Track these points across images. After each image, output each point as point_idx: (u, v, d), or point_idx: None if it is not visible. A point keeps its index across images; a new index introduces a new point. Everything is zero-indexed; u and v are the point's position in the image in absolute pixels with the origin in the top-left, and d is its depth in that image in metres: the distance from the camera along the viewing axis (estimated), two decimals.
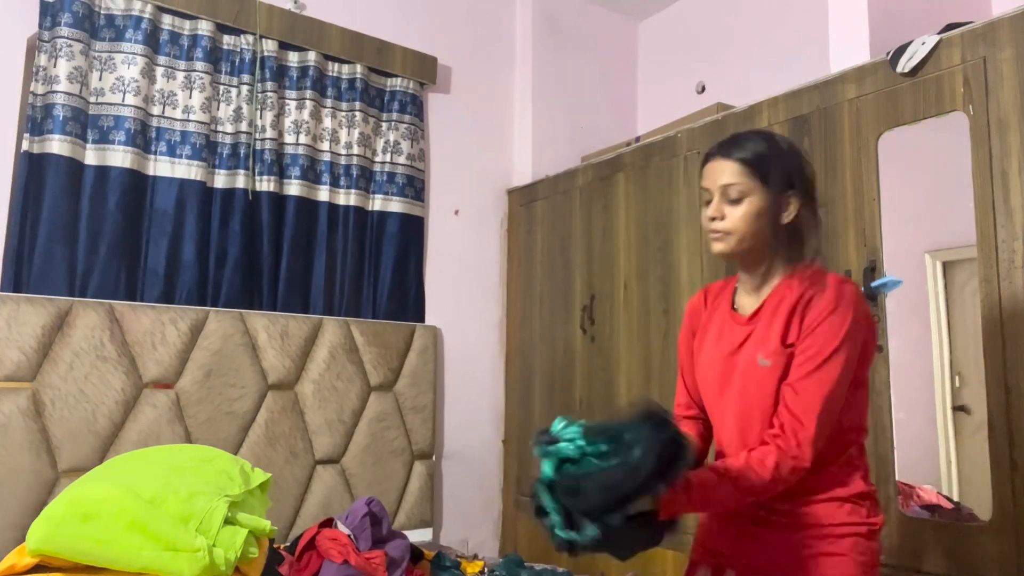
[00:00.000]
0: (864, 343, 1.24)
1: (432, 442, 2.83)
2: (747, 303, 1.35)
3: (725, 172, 1.29)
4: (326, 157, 2.74)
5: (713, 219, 1.30)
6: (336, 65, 2.80)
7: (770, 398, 1.25)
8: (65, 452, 2.08)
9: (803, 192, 1.30)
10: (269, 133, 2.59)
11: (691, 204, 2.39)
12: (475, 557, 2.45)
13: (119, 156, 2.32)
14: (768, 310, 1.29)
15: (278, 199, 2.62)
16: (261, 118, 2.59)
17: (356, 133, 2.80)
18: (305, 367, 2.55)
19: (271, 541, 1.79)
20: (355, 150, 2.79)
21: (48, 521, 1.49)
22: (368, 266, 2.83)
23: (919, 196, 1.95)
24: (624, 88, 3.58)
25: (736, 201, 1.28)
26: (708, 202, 1.32)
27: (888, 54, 1.88)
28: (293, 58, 2.69)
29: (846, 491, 1.25)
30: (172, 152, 2.43)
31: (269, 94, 2.60)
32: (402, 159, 2.90)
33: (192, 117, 2.46)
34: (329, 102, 2.77)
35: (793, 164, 1.31)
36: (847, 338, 1.21)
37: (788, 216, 1.29)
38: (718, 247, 1.31)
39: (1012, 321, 1.61)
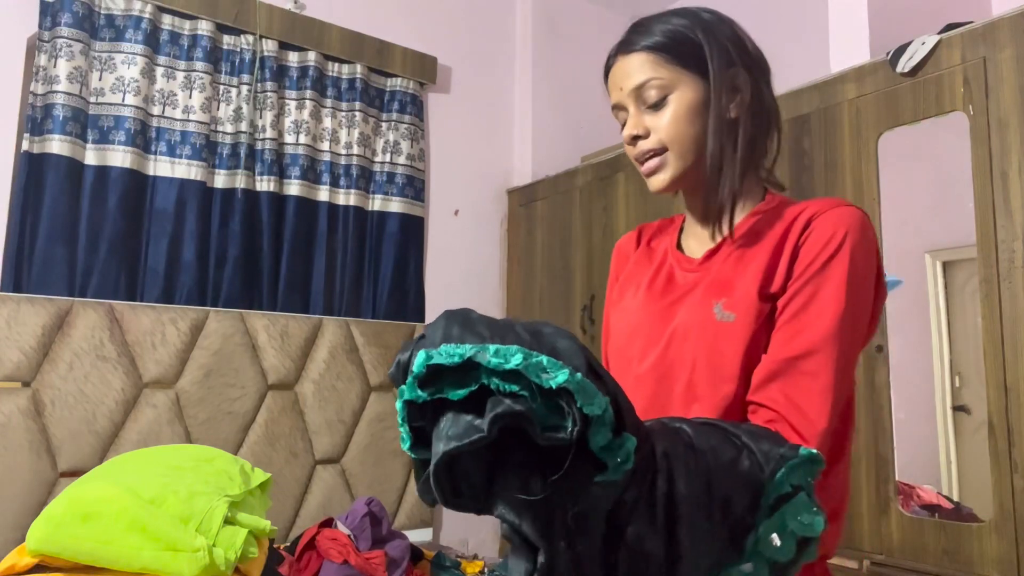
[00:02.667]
0: (877, 283, 0.88)
1: None
2: (699, 243, 0.98)
3: (632, 70, 0.92)
4: (326, 157, 2.74)
5: (635, 139, 0.93)
6: (336, 65, 2.80)
7: (728, 369, 0.85)
8: (65, 452, 2.08)
9: (750, 68, 0.94)
10: (269, 133, 2.59)
11: None
12: (475, 557, 2.45)
13: (119, 156, 2.32)
14: (731, 248, 0.92)
15: (278, 199, 2.62)
16: (261, 118, 2.59)
17: (356, 133, 2.80)
18: (305, 367, 2.55)
19: (271, 541, 1.79)
20: (355, 150, 2.79)
21: (48, 521, 1.49)
22: (368, 266, 2.83)
23: (919, 196, 1.95)
24: None
25: (658, 104, 0.91)
26: (625, 125, 0.96)
27: (888, 54, 1.88)
28: (293, 58, 2.69)
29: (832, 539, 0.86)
30: (172, 152, 2.43)
31: (269, 94, 2.60)
32: (402, 159, 2.90)
33: (192, 117, 2.46)
34: (329, 102, 2.77)
35: (724, 33, 0.94)
36: (862, 282, 0.84)
37: (738, 106, 0.92)
38: (657, 180, 0.93)
39: (1012, 321, 1.61)
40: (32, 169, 2.20)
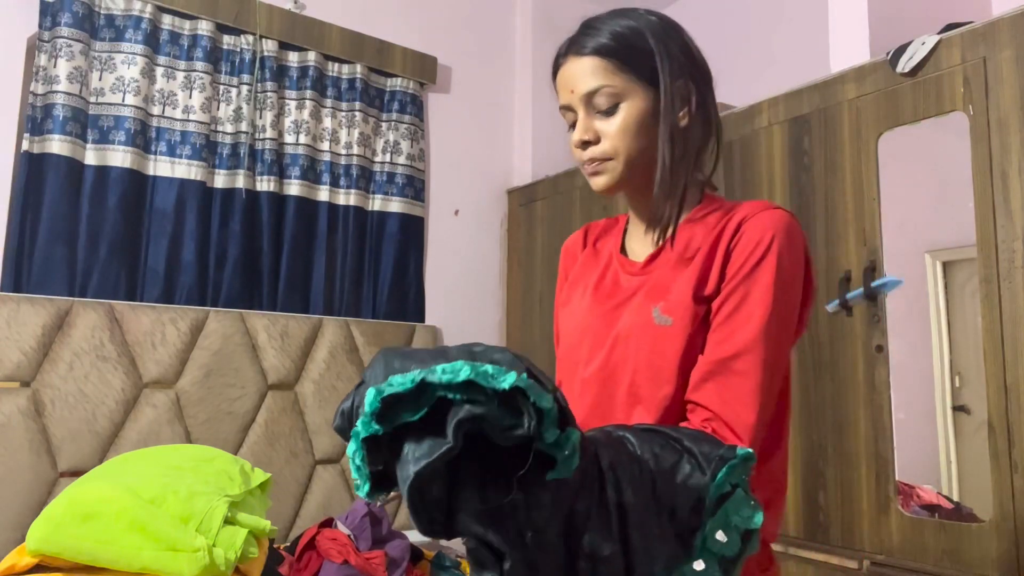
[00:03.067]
0: (806, 282, 0.92)
1: None
2: (641, 246, 1.01)
3: (583, 74, 0.93)
4: (326, 157, 2.74)
5: (585, 144, 0.96)
6: (336, 65, 2.80)
7: (667, 372, 0.88)
8: (65, 452, 2.08)
9: (697, 79, 0.96)
10: (269, 133, 2.59)
11: None
12: None
13: (119, 156, 2.32)
14: (671, 253, 0.95)
15: (278, 199, 2.62)
16: (261, 118, 2.59)
17: (356, 133, 2.80)
18: (305, 367, 2.55)
19: (271, 541, 1.79)
20: (355, 150, 2.79)
21: (48, 521, 1.49)
22: (368, 266, 2.83)
23: (919, 196, 1.95)
24: None
25: (609, 111, 0.93)
26: (573, 124, 0.97)
27: (888, 54, 1.88)
28: (293, 58, 2.69)
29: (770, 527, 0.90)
30: (172, 152, 2.43)
31: (269, 94, 2.60)
32: (402, 159, 2.90)
33: (192, 117, 2.46)
34: (329, 102, 2.77)
35: (675, 40, 0.95)
36: (789, 283, 0.88)
37: (687, 116, 0.95)
38: (600, 182, 0.98)
39: (1012, 321, 1.61)
40: (32, 169, 2.20)
